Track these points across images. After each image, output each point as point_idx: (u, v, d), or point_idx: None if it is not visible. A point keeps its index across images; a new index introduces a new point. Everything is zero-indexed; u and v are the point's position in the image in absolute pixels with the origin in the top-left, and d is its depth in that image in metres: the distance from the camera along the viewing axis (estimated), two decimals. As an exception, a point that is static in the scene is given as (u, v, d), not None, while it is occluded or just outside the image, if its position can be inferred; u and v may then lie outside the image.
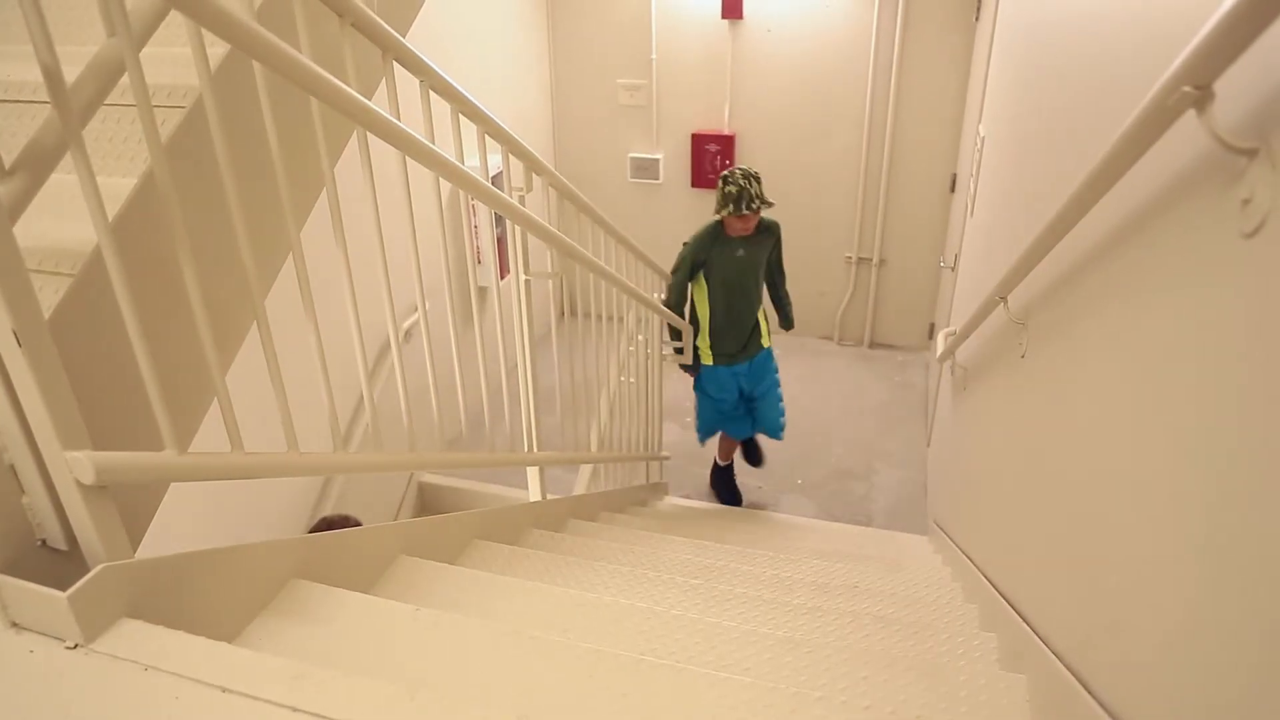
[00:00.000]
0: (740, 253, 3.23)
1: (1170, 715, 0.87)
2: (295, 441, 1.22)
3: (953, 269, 3.92)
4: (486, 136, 1.81)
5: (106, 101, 0.94)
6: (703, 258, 3.27)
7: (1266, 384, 0.70)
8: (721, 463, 3.95)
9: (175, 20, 0.98)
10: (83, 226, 0.88)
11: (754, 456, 3.97)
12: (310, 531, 2.28)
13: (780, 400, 3.65)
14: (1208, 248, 0.84)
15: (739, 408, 3.63)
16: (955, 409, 3.03)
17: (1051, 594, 1.35)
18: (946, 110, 4.73)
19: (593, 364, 2.83)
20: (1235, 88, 0.74)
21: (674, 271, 3.34)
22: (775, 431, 3.68)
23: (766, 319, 3.50)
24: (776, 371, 3.61)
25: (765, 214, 3.15)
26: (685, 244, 3.29)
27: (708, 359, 3.46)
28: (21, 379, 0.83)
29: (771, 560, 2.48)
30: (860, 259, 5.27)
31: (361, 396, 1.44)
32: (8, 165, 0.86)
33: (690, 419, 4.20)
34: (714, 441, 3.89)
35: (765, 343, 3.49)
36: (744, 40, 4.98)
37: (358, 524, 1.84)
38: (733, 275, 3.27)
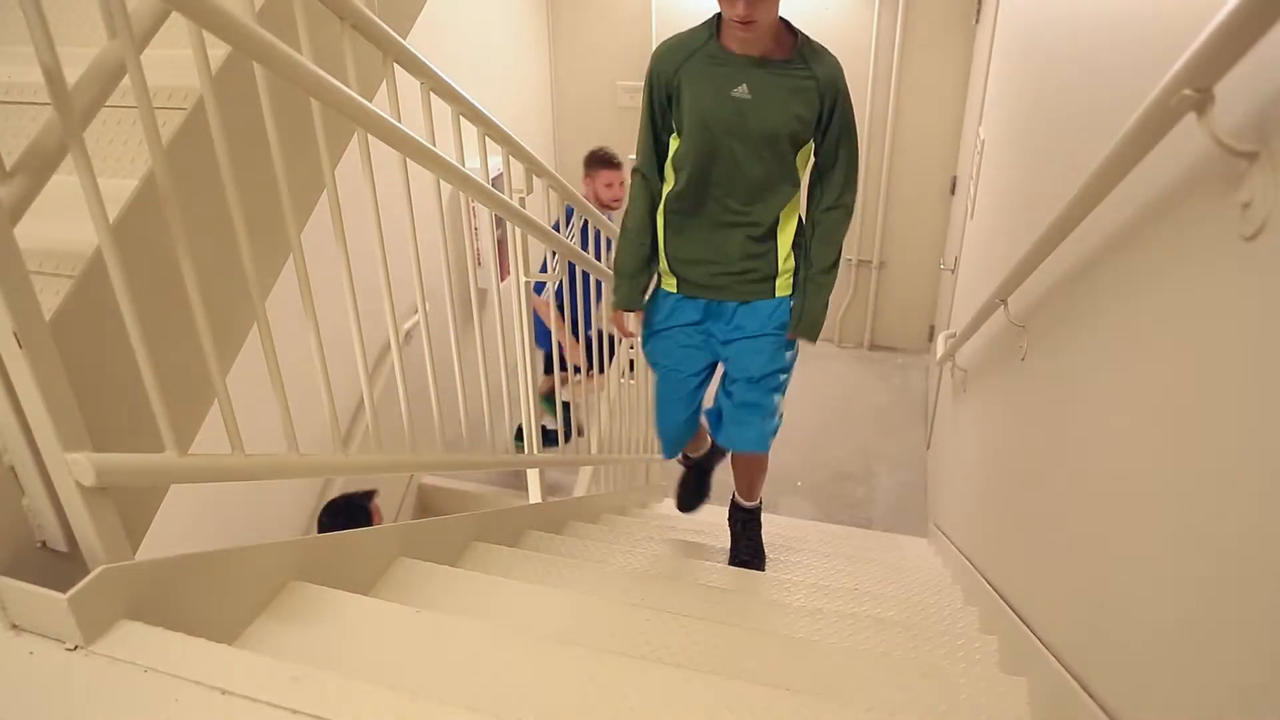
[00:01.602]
0: (742, 91, 1.67)
1: (1170, 718, 0.87)
2: (295, 443, 1.22)
3: (953, 271, 3.93)
4: (487, 138, 1.81)
5: (107, 103, 0.94)
6: (667, 76, 1.73)
7: (1267, 386, 0.70)
8: (691, 454, 2.55)
9: (176, 22, 0.98)
10: (84, 228, 0.88)
11: (740, 522, 2.40)
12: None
13: (773, 399, 1.98)
14: (1208, 251, 0.84)
15: (694, 374, 2.02)
16: (955, 411, 3.03)
17: (1052, 597, 1.35)
18: (946, 113, 4.74)
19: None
20: (1236, 91, 0.74)
21: None
22: (754, 444, 2.03)
23: (803, 256, 1.89)
24: (786, 357, 1.96)
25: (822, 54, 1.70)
26: None
27: (667, 281, 1.95)
28: (22, 380, 0.83)
29: (771, 563, 2.47)
30: (860, 261, 5.27)
31: (361, 398, 1.44)
32: (9, 167, 0.86)
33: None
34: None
35: (782, 289, 1.90)
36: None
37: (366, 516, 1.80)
38: (719, 126, 1.70)
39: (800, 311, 1.90)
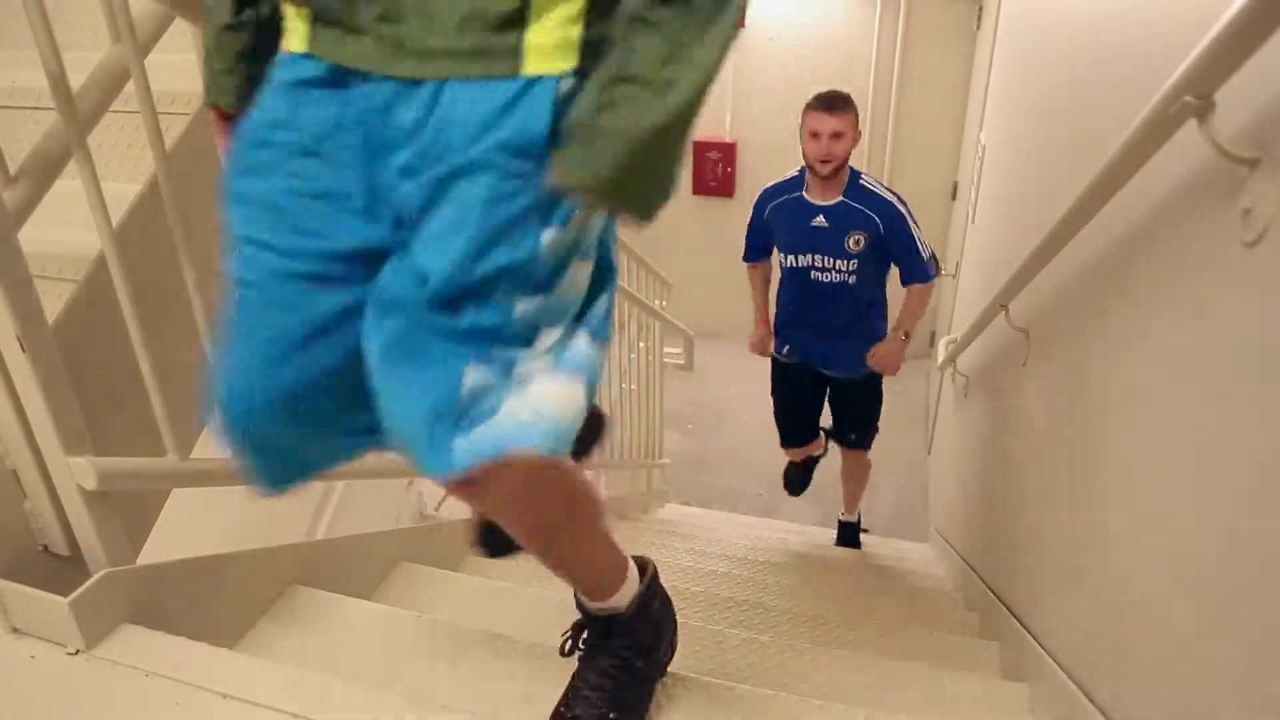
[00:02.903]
0: None
1: (1172, 725, 0.87)
2: (297, 447, 1.22)
3: (954, 277, 3.93)
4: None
5: (111, 108, 0.95)
6: None
7: (1268, 392, 0.70)
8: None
9: (180, 26, 0.98)
10: (87, 232, 0.88)
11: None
12: None
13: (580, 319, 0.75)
14: (1209, 256, 0.84)
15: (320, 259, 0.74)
16: (956, 417, 3.02)
17: (1053, 602, 1.35)
18: (947, 118, 4.74)
19: (594, 370, 2.81)
20: (1236, 98, 0.75)
21: None
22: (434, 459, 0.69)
23: None
24: (542, 237, 0.67)
25: None
26: None
27: (294, 31, 0.70)
28: (25, 384, 0.83)
29: (772, 567, 2.47)
30: (861, 266, 5.27)
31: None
32: (13, 171, 0.86)
33: (693, 425, 3.95)
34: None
35: (539, 60, 0.64)
36: (745, 48, 4.99)
37: None
38: None
39: (585, 105, 0.66)
